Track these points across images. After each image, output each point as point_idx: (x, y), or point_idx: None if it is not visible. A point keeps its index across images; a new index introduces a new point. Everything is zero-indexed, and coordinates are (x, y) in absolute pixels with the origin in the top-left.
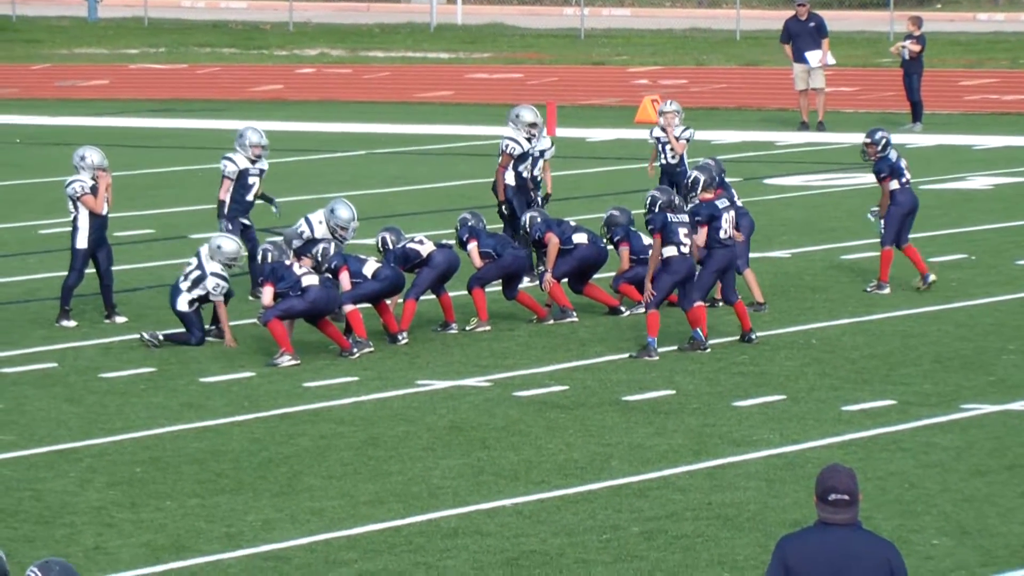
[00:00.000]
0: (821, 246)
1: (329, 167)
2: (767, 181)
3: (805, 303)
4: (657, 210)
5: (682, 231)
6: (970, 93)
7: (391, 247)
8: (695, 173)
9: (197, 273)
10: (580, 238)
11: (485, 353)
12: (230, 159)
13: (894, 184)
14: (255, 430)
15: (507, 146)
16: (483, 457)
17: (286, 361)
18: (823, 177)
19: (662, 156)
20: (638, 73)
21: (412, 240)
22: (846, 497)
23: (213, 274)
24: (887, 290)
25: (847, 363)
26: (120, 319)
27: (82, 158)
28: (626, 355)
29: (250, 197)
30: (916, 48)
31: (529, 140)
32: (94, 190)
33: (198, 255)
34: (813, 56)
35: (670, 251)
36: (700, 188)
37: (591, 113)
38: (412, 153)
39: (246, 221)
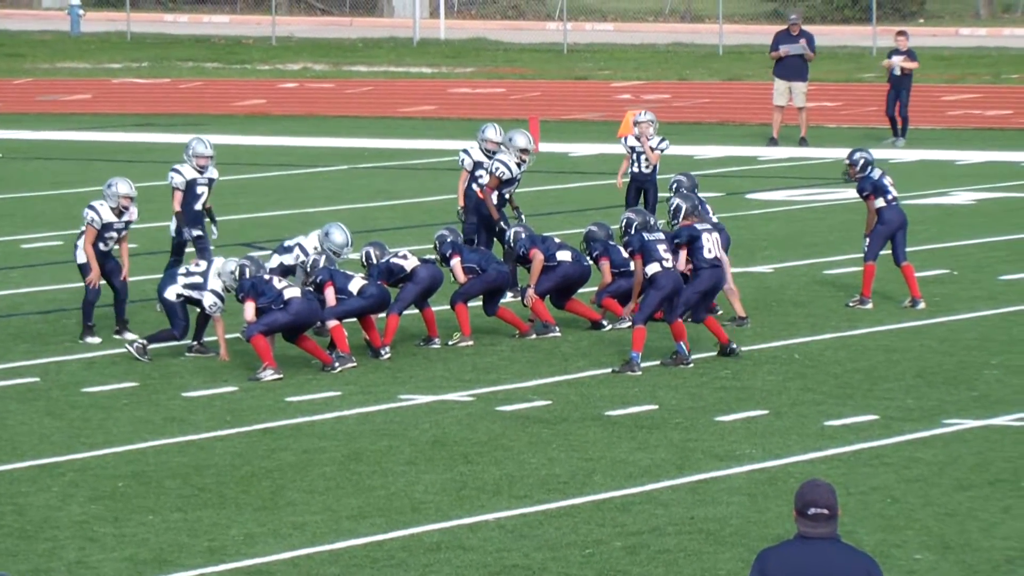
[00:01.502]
0: (803, 261)
1: (311, 182)
2: (749, 196)
3: (788, 318)
4: (633, 231)
5: (661, 247)
6: (953, 108)
7: (375, 261)
8: (677, 201)
9: (198, 280)
10: (564, 255)
11: (468, 368)
12: (177, 171)
13: (879, 202)
14: (238, 445)
15: (498, 170)
16: (465, 471)
17: (269, 375)
18: (805, 192)
19: (634, 165)
20: (621, 88)
21: (396, 255)
22: (825, 511)
23: (212, 291)
24: (869, 305)
25: (830, 378)
26: (129, 335)
27: (108, 186)
28: (608, 370)
29: (198, 206)
30: (912, 65)
31: (519, 165)
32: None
33: (208, 263)
34: (793, 48)
35: (653, 268)
36: (682, 215)
37: (574, 128)
38: (395, 168)
39: (198, 232)
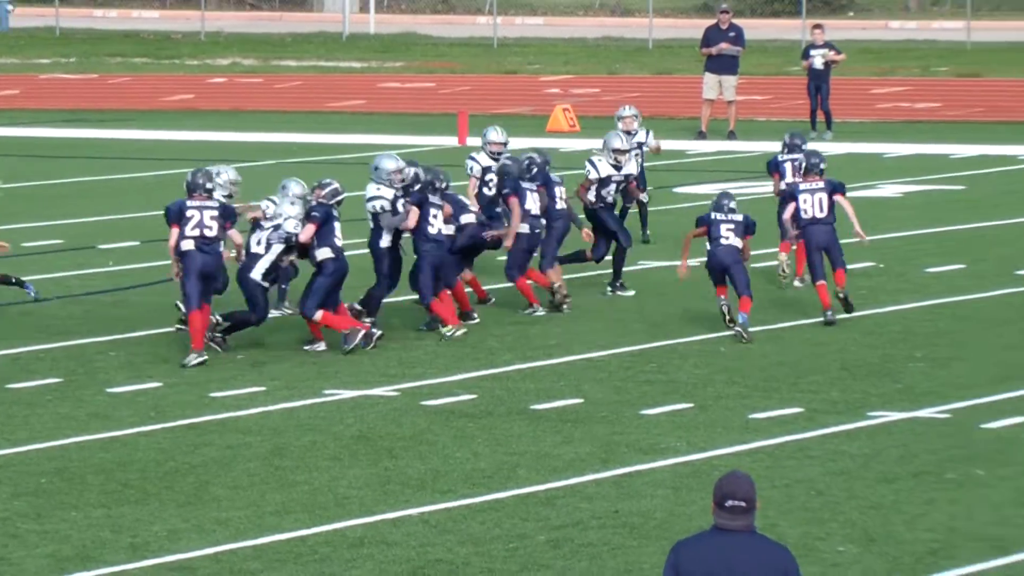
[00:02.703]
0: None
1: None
2: (677, 190)
3: (714, 311)
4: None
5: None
6: (881, 101)
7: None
8: (505, 163)
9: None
10: (468, 218)
11: (393, 362)
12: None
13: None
14: (161, 440)
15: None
16: (390, 466)
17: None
18: (734, 186)
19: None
20: (550, 82)
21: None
22: (743, 504)
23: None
24: (798, 283)
25: (755, 371)
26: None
27: (218, 174)
28: (536, 363)
29: None
30: (839, 57)
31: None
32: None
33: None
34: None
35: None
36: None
37: (503, 122)
38: (324, 163)
39: None
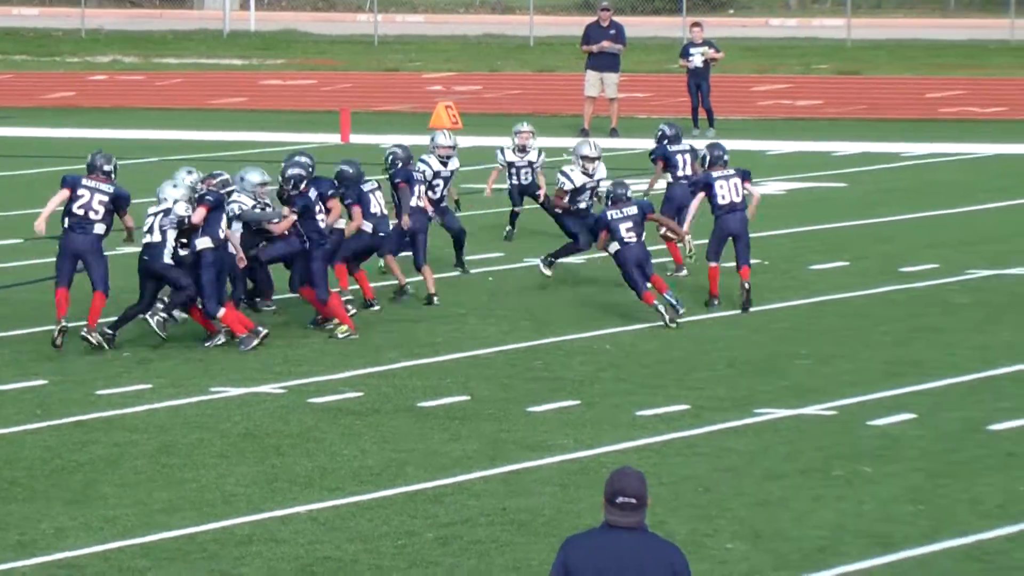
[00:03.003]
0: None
1: (123, 174)
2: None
3: (600, 308)
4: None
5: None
6: (763, 99)
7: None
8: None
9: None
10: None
11: (279, 360)
12: None
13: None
14: (48, 438)
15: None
16: (277, 464)
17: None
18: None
19: (513, 178)
20: (432, 79)
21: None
22: (633, 501)
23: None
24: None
25: (641, 368)
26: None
27: (241, 179)
28: (423, 360)
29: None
30: (719, 56)
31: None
32: None
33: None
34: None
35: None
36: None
37: (385, 119)
38: (206, 160)
39: None
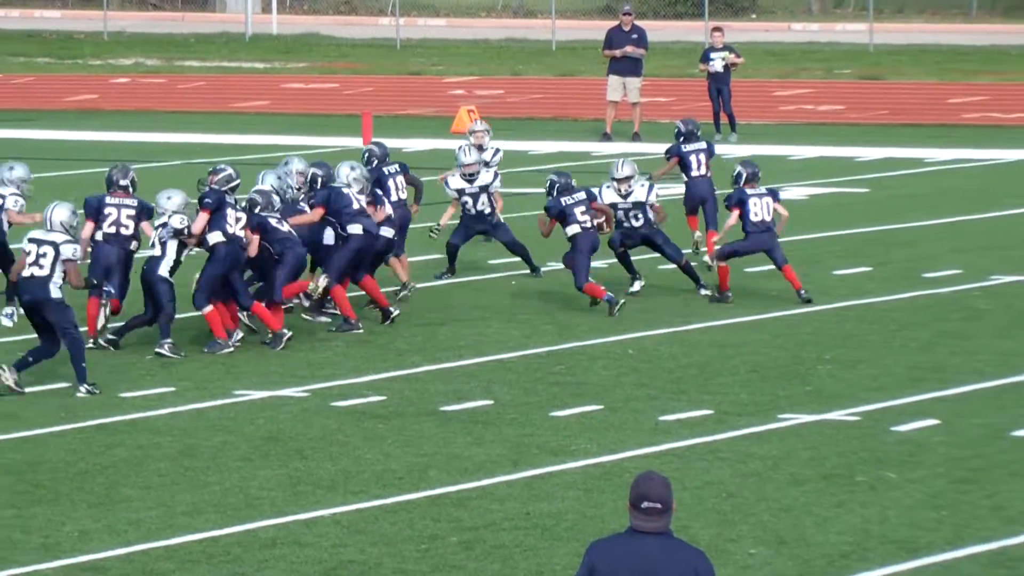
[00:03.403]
0: (638, 256)
1: (144, 177)
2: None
3: (622, 313)
4: (555, 193)
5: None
6: (785, 103)
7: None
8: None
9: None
10: (355, 228)
11: (303, 363)
12: None
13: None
14: (72, 441)
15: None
16: (301, 467)
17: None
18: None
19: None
20: (454, 83)
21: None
22: (659, 505)
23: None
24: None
25: (664, 373)
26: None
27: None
28: (446, 364)
29: None
30: (740, 60)
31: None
32: None
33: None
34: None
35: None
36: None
37: (407, 123)
38: (229, 163)
39: None
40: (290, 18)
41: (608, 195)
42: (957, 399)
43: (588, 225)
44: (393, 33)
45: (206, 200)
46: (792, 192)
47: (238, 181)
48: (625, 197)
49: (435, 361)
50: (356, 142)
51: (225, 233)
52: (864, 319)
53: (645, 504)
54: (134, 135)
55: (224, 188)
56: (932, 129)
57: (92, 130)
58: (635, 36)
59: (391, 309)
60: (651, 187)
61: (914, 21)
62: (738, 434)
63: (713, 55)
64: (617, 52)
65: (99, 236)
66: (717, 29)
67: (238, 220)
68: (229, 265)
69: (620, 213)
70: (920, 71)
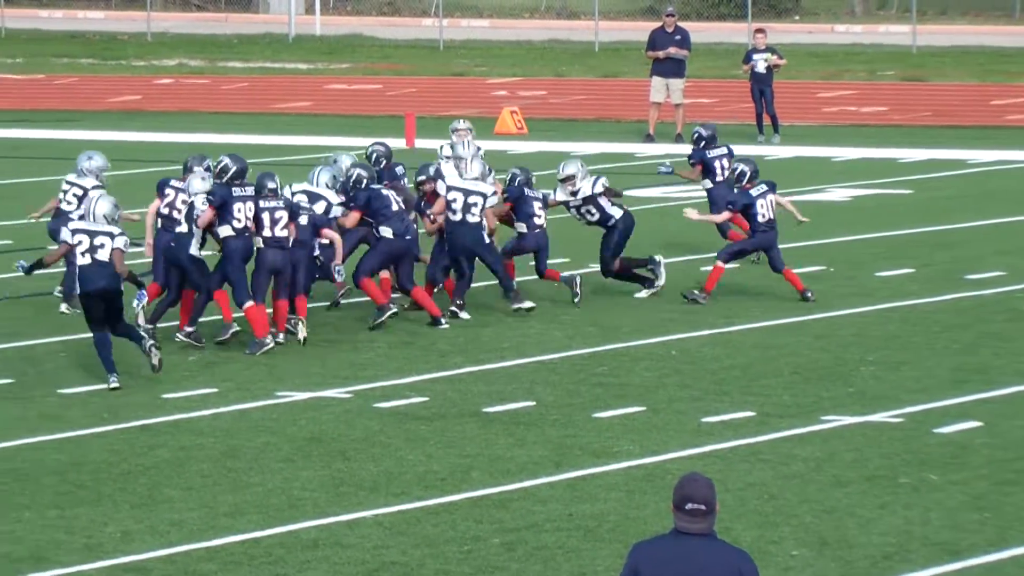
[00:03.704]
0: (680, 258)
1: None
2: (625, 193)
3: (664, 314)
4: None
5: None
6: (828, 105)
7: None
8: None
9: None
10: (386, 232)
11: (345, 364)
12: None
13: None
14: (114, 441)
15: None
16: (343, 468)
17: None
18: (682, 189)
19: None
20: (497, 84)
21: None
22: (703, 507)
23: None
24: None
25: (706, 374)
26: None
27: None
28: (488, 366)
29: None
30: (782, 62)
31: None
32: None
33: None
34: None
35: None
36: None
37: (450, 124)
38: (270, 164)
39: None
40: (333, 19)
41: (560, 194)
42: (1000, 401)
43: (541, 223)
44: (436, 34)
45: (210, 196)
46: (835, 193)
47: (236, 169)
48: (574, 195)
49: (477, 362)
50: (399, 143)
51: (234, 227)
52: (907, 321)
53: (689, 505)
54: (177, 136)
55: (225, 180)
56: (975, 131)
57: (135, 131)
58: (678, 37)
59: (442, 319)
60: (596, 180)
61: (957, 23)
62: (781, 436)
63: (755, 56)
64: (660, 53)
65: (258, 243)
66: (759, 30)
67: (249, 211)
68: (243, 258)
69: (573, 211)
70: (963, 72)
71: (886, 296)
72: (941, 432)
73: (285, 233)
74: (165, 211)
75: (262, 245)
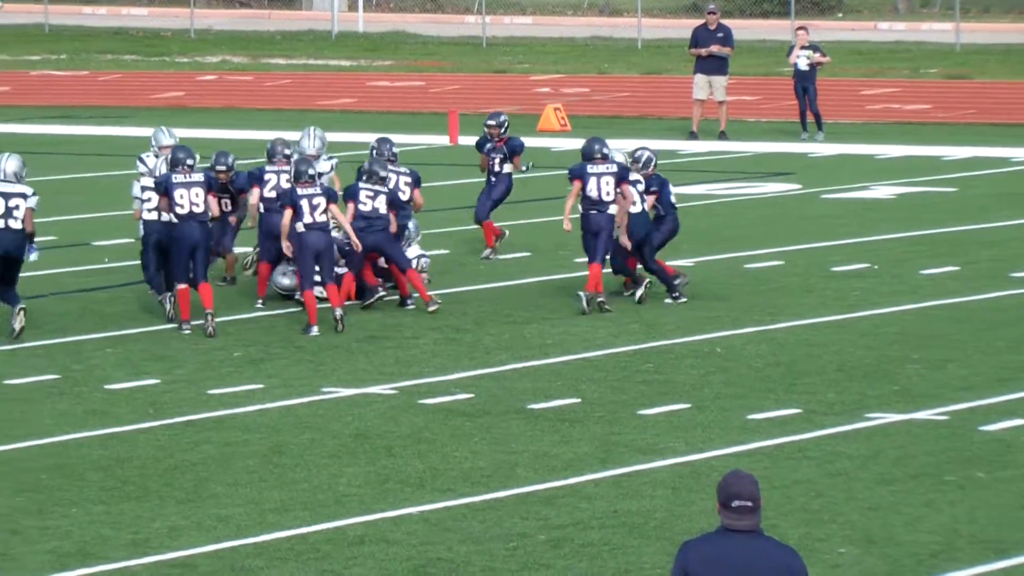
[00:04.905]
0: (725, 255)
1: None
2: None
3: (709, 312)
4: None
5: None
6: (871, 102)
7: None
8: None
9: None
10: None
11: (390, 361)
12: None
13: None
14: (160, 437)
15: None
16: (389, 465)
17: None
18: (726, 186)
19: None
20: (540, 81)
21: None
22: (749, 504)
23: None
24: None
25: (751, 372)
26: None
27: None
28: (533, 362)
29: None
30: (824, 60)
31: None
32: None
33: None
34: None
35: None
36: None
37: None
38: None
39: None
40: (376, 16)
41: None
42: None
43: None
44: (479, 31)
45: (237, 182)
46: (879, 191)
47: (176, 157)
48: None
49: (522, 359)
50: (443, 140)
51: (177, 214)
52: (952, 318)
53: (736, 503)
54: (221, 132)
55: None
56: (1018, 128)
57: (179, 127)
58: (721, 35)
59: (409, 301)
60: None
61: (1000, 21)
62: (826, 433)
63: (799, 52)
64: (703, 51)
65: (299, 228)
66: (802, 28)
67: (195, 196)
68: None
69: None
70: (1006, 70)
71: (930, 294)
72: (987, 430)
73: (324, 218)
74: (309, 219)
75: (303, 230)
